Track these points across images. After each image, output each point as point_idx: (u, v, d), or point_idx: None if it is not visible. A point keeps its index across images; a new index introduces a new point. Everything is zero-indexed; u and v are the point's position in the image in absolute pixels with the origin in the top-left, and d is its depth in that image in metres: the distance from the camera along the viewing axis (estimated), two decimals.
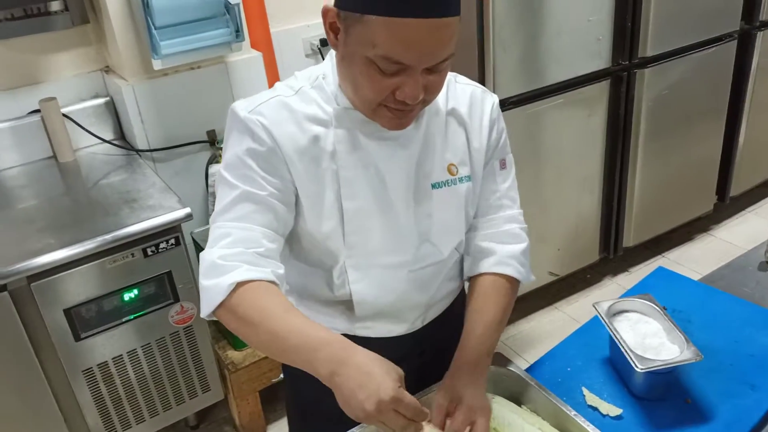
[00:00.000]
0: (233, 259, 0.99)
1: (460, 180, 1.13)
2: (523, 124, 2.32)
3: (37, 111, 2.16)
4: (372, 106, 0.99)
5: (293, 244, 1.15)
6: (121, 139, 2.31)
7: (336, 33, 0.97)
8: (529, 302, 2.73)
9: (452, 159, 1.12)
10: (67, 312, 1.79)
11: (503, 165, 1.20)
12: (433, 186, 1.11)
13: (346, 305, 1.15)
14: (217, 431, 2.33)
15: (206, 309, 1.00)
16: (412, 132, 1.08)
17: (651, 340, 1.19)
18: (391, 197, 1.09)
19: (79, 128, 2.23)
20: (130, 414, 2.01)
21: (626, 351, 1.14)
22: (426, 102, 1.01)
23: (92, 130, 2.25)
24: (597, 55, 2.38)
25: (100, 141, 2.27)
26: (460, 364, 1.11)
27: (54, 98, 2.13)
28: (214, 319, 1.01)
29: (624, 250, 2.87)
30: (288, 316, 0.95)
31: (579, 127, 2.48)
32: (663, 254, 3.04)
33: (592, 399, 1.18)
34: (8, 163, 2.18)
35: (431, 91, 0.98)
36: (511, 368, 1.17)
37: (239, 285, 0.97)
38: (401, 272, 1.13)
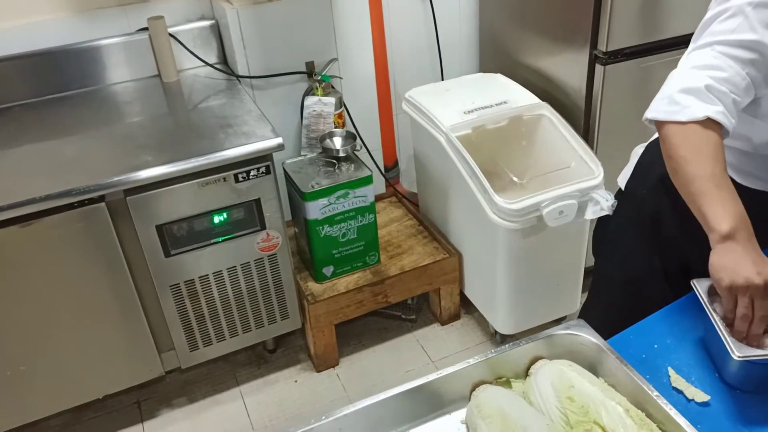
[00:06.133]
0: (717, 95, 1.05)
1: None
2: (636, 78, 2.15)
3: (146, 29, 2.20)
4: None
5: None
6: (223, 63, 2.33)
7: None
8: None
9: None
10: (159, 228, 1.85)
11: None
12: None
13: None
14: (293, 357, 2.40)
15: (658, 115, 1.09)
16: None
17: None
18: None
19: (184, 49, 2.26)
20: (212, 331, 2.10)
21: (723, 335, 1.05)
22: None
23: (196, 53, 2.28)
24: None
25: (203, 64, 2.30)
26: None
27: (162, 17, 2.16)
28: (650, 124, 1.11)
29: None
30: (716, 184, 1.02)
31: None
32: None
33: (677, 381, 1.10)
34: (117, 78, 2.25)
35: None
36: (590, 337, 1.11)
37: (705, 121, 1.03)
38: None
